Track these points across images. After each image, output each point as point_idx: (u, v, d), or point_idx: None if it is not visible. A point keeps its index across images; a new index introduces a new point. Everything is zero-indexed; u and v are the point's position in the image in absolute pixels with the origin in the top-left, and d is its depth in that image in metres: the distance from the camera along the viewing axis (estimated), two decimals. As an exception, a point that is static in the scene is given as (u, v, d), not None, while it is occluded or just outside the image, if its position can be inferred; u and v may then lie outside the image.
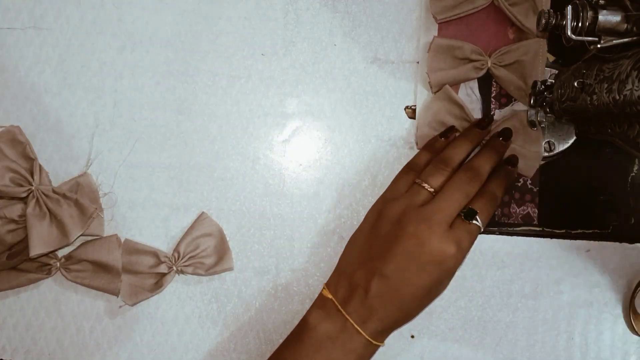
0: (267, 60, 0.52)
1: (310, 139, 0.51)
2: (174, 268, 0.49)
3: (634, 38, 0.37)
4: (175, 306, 0.51)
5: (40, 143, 0.52)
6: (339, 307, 0.42)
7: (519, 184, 0.49)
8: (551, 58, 0.49)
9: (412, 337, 0.50)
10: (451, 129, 0.48)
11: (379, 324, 0.41)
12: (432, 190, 0.43)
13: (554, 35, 0.48)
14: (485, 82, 0.49)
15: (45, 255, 0.49)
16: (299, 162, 0.51)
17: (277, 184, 0.51)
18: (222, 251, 0.50)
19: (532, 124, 0.48)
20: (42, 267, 0.50)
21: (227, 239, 0.50)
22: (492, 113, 0.49)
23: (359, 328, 0.41)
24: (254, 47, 0.52)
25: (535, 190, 0.48)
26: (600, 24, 0.38)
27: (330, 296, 0.42)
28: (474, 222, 0.42)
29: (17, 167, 0.49)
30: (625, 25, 0.37)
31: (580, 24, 0.39)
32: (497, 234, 0.49)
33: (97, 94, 0.52)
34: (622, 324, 0.48)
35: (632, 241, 0.48)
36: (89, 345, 0.51)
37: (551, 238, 0.49)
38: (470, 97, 0.49)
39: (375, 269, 0.41)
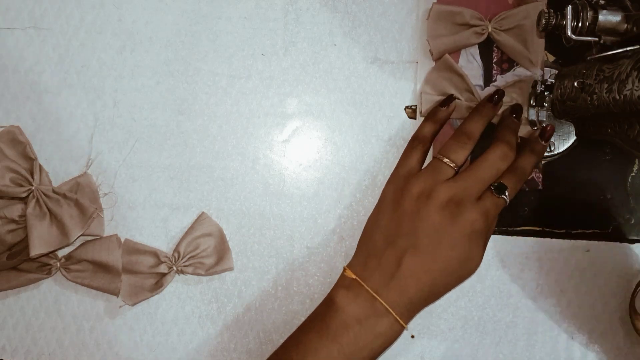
0: (267, 60, 0.52)
1: (310, 139, 0.51)
2: (174, 268, 0.49)
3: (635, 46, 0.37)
4: (175, 306, 0.51)
5: (40, 143, 0.52)
6: (367, 287, 0.41)
7: None
8: (551, 58, 0.49)
9: (412, 337, 0.50)
10: (450, 97, 0.47)
11: (408, 302, 0.41)
12: (453, 165, 0.43)
13: (554, 35, 0.48)
14: (487, 48, 0.49)
15: (45, 255, 0.49)
16: (299, 162, 0.51)
17: (277, 184, 0.51)
18: (222, 251, 0.50)
19: (532, 124, 0.48)
20: (42, 267, 0.50)
21: (227, 239, 0.50)
22: (493, 79, 0.49)
23: (388, 307, 0.40)
24: (254, 47, 0.52)
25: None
26: (600, 24, 0.38)
27: (354, 277, 0.42)
28: (502, 196, 0.42)
29: (17, 167, 0.49)
30: (625, 25, 0.37)
31: (580, 24, 0.39)
32: (497, 234, 0.49)
33: (97, 94, 0.52)
34: (622, 324, 0.48)
35: (632, 241, 0.48)
36: (89, 345, 0.51)
37: (551, 238, 0.49)
38: (471, 63, 0.49)
39: (406, 246, 0.41)
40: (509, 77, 0.49)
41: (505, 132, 0.45)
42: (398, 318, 0.40)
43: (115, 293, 0.50)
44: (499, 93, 0.46)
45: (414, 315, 0.42)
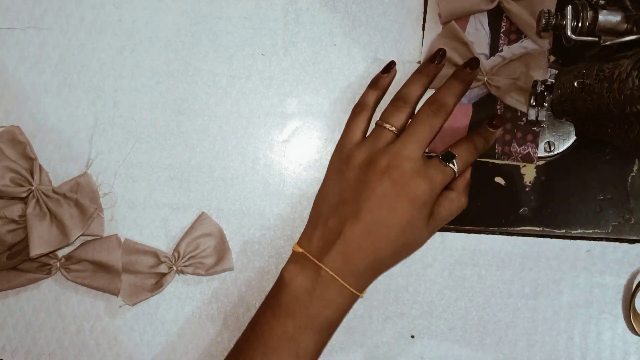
0: (267, 60, 0.52)
1: (310, 139, 0.51)
2: (174, 268, 0.49)
3: (634, 37, 0.37)
4: (175, 306, 0.51)
5: (40, 143, 0.52)
6: (312, 258, 0.41)
7: (522, 123, 0.48)
8: (551, 58, 0.49)
9: (412, 337, 0.50)
10: (391, 63, 0.47)
11: (354, 269, 0.41)
12: (393, 129, 0.42)
13: (554, 35, 0.48)
14: (496, 17, 0.49)
15: (45, 255, 0.49)
16: (299, 162, 0.51)
17: (277, 184, 0.51)
18: (222, 251, 0.50)
19: (532, 124, 0.48)
20: (42, 267, 0.50)
21: (227, 239, 0.50)
22: (500, 49, 0.49)
23: (334, 275, 0.40)
24: (254, 47, 0.52)
25: (537, 130, 0.48)
26: (600, 24, 0.38)
27: (300, 250, 0.42)
28: (450, 165, 0.42)
29: (17, 167, 0.49)
30: (625, 25, 0.38)
31: (580, 24, 0.39)
32: (497, 234, 0.49)
33: (97, 94, 0.52)
34: (622, 324, 0.48)
35: (632, 241, 0.48)
36: (89, 345, 0.51)
37: (551, 238, 0.49)
38: (479, 31, 0.49)
39: (348, 213, 0.41)
40: (516, 48, 0.49)
41: (444, 85, 0.44)
42: (345, 284, 0.40)
43: (115, 293, 0.50)
44: (441, 52, 0.45)
45: (365, 283, 0.42)
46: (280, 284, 0.43)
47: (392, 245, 0.41)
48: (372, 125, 0.45)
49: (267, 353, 0.41)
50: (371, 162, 0.41)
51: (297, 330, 0.40)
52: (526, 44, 0.48)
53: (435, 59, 0.45)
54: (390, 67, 0.47)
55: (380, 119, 0.44)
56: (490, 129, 0.45)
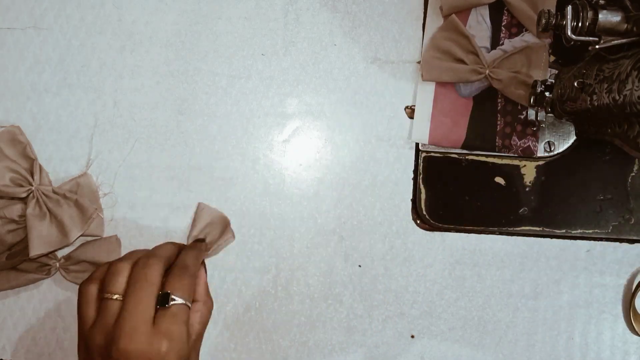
0: (267, 60, 0.52)
1: (310, 139, 0.51)
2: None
3: (634, 38, 0.37)
4: (175, 306, 0.51)
5: (40, 143, 0.52)
6: None
7: (522, 117, 0.48)
8: (551, 58, 0.49)
9: (412, 337, 0.49)
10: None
11: None
12: (117, 297, 0.39)
13: (554, 35, 0.48)
14: (497, 11, 0.49)
15: (45, 255, 0.49)
16: (299, 162, 0.51)
17: (277, 184, 0.51)
18: (224, 229, 0.50)
19: (532, 124, 0.48)
20: (42, 267, 0.50)
21: (227, 239, 0.51)
22: (501, 42, 0.49)
23: None
24: (254, 47, 0.52)
25: (537, 123, 0.48)
26: (600, 24, 0.38)
27: None
28: (172, 302, 0.39)
29: (17, 167, 0.49)
30: (625, 25, 0.37)
31: (580, 24, 0.39)
32: (497, 234, 0.49)
33: (97, 94, 0.52)
34: (622, 324, 0.48)
35: (632, 241, 0.48)
36: (89, 345, 0.51)
37: (551, 238, 0.49)
38: (480, 24, 0.49)
39: None
40: (517, 42, 0.49)
41: (148, 253, 0.42)
42: None
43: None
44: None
45: None
46: None
47: None
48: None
49: None
50: (108, 344, 0.38)
51: None
52: (527, 38, 0.49)
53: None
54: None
55: (100, 289, 0.41)
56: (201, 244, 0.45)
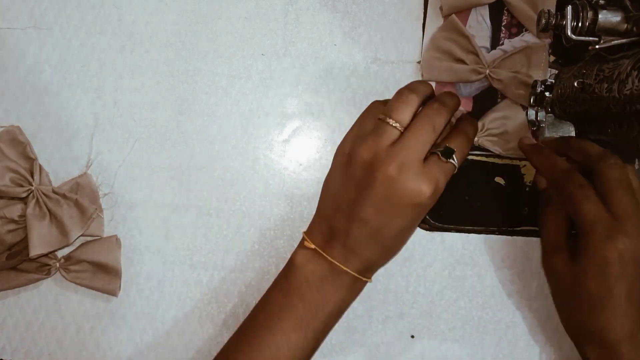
0: (267, 60, 0.52)
1: (310, 139, 0.51)
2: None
3: (634, 38, 0.37)
4: (175, 306, 0.51)
5: (40, 143, 0.52)
6: (322, 252, 0.42)
7: None
8: (551, 58, 0.49)
9: (412, 337, 0.50)
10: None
11: (362, 264, 0.42)
12: (397, 125, 0.41)
13: (554, 35, 0.48)
14: (497, 11, 0.49)
15: (45, 255, 0.49)
16: (299, 162, 0.51)
17: (277, 184, 0.51)
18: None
19: (532, 124, 0.48)
20: (42, 267, 0.50)
21: (228, 238, 0.50)
22: (501, 42, 0.49)
23: (344, 267, 0.41)
24: (254, 47, 0.52)
25: (537, 123, 0.48)
26: (600, 24, 0.38)
27: (312, 246, 0.43)
28: (451, 160, 0.41)
29: (17, 167, 0.49)
30: (625, 25, 0.37)
31: (580, 24, 0.39)
32: (497, 234, 0.49)
33: (97, 94, 0.52)
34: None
35: (632, 241, 0.48)
36: (89, 345, 0.51)
37: (551, 238, 0.49)
38: (480, 24, 0.49)
39: (353, 214, 0.41)
40: (517, 42, 0.49)
41: (441, 94, 0.44)
42: (355, 274, 0.42)
43: (115, 293, 0.50)
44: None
45: (374, 271, 0.44)
46: (290, 268, 0.43)
47: (397, 241, 0.43)
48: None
49: (275, 334, 0.42)
50: (375, 162, 0.40)
51: (306, 313, 0.42)
52: (527, 38, 0.49)
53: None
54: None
55: (383, 112, 0.42)
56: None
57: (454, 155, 0.41)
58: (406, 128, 0.41)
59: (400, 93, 0.42)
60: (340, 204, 0.42)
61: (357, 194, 0.41)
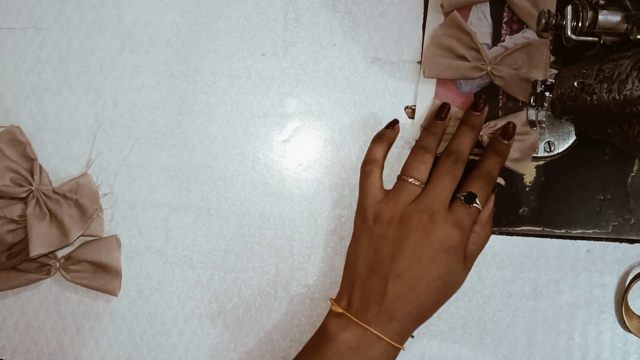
0: (267, 60, 0.52)
1: (310, 139, 0.51)
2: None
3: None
4: (175, 306, 0.51)
5: (40, 143, 0.52)
6: (355, 319, 0.41)
7: None
8: (551, 58, 0.49)
9: (412, 337, 0.49)
10: (394, 121, 0.47)
11: (399, 326, 0.41)
12: (418, 183, 0.44)
13: (554, 35, 0.48)
14: (498, 7, 0.49)
15: (45, 255, 0.49)
16: (299, 162, 0.51)
17: (277, 184, 0.51)
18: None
19: (532, 124, 0.48)
20: (42, 267, 0.50)
21: (227, 239, 0.50)
22: (502, 39, 0.49)
23: (379, 334, 0.41)
24: (254, 47, 0.52)
25: (537, 123, 0.48)
26: (600, 24, 0.38)
27: (341, 310, 0.42)
28: (474, 205, 0.43)
29: (17, 167, 0.49)
30: (625, 25, 0.38)
31: (580, 24, 0.39)
32: (497, 234, 0.49)
33: (97, 94, 0.52)
34: (622, 324, 0.48)
35: (632, 241, 0.48)
36: (89, 345, 0.51)
37: (551, 238, 0.49)
38: (481, 21, 0.49)
39: (388, 272, 0.41)
40: (518, 38, 0.49)
41: (456, 134, 0.46)
42: (390, 341, 0.41)
43: (115, 293, 0.50)
44: (446, 108, 0.47)
45: (408, 335, 0.43)
46: (323, 337, 0.42)
47: (434, 295, 0.42)
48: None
49: None
50: (403, 218, 0.42)
51: None
52: (528, 34, 0.49)
53: (441, 114, 0.46)
54: (394, 124, 0.47)
55: (402, 173, 0.44)
56: (505, 141, 0.46)
57: (476, 199, 0.43)
58: (427, 182, 0.44)
59: (415, 154, 0.45)
60: (373, 266, 0.42)
61: (392, 250, 0.42)
